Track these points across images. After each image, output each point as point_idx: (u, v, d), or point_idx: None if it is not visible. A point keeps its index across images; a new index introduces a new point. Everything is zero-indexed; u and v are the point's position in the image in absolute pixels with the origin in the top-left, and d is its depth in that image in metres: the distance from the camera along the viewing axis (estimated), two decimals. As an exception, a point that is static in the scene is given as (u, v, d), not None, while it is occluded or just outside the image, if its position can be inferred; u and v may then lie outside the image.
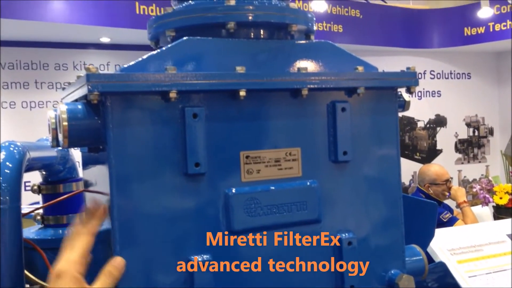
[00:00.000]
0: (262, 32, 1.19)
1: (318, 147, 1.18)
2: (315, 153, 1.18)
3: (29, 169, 1.45)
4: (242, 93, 1.06)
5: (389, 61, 7.05)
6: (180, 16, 1.15)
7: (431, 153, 7.94)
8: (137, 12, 4.59)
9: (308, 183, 1.16)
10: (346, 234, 1.19)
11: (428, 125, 7.93)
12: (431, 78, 7.78)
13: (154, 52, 1.06)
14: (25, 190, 1.54)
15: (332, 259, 1.18)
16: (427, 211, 1.79)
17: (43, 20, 4.11)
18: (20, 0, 3.91)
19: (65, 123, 0.97)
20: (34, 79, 5.07)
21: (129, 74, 0.97)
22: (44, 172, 1.59)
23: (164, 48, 1.08)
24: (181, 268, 1.03)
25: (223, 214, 1.08)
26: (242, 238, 1.09)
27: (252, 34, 1.18)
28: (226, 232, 1.08)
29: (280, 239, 1.13)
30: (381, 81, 1.22)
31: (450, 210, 4.97)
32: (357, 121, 1.21)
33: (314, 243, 1.17)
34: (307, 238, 1.16)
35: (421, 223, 1.74)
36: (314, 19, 1.29)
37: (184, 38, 1.08)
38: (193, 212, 1.05)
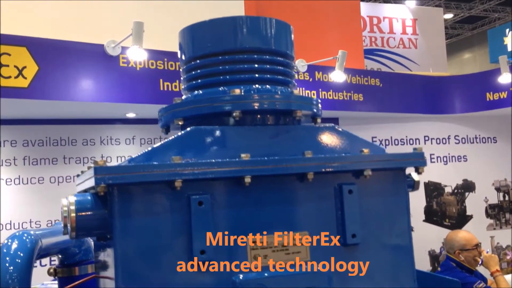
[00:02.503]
0: (267, 118, 1.22)
1: (326, 230, 1.17)
2: (323, 237, 1.17)
3: (45, 255, 1.47)
4: (247, 179, 1.08)
5: (412, 127, 7.04)
6: (188, 106, 1.20)
7: (461, 219, 7.73)
8: (161, 88, 4.75)
9: (317, 267, 1.15)
10: (359, 314, 1.16)
11: (456, 190, 7.78)
12: (455, 143, 7.71)
13: (162, 143, 1.10)
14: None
15: None
16: (450, 288, 1.74)
17: (72, 99, 4.29)
18: (50, 83, 4.11)
19: (73, 214, 1.00)
20: (62, 155, 5.22)
21: (135, 166, 1.00)
22: (60, 256, 1.61)
23: (171, 138, 1.11)
24: None
25: (231, 301, 1.07)
26: (250, 327, 1.07)
27: (258, 120, 1.22)
28: (234, 321, 1.06)
29: (290, 326, 1.11)
30: (388, 162, 1.22)
31: (484, 279, 4.76)
32: (365, 202, 1.21)
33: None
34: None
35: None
36: (320, 103, 1.33)
37: (190, 128, 1.12)
38: (200, 300, 1.05)
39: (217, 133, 1.14)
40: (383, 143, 6.81)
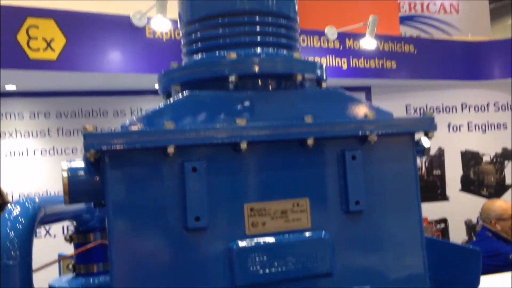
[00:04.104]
0: (267, 83, 1.18)
1: (328, 197, 1.14)
2: (325, 203, 1.14)
3: (57, 220, 1.50)
4: (243, 145, 1.05)
5: (449, 94, 6.83)
6: (185, 71, 1.17)
7: (500, 189, 7.51)
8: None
9: (319, 235, 1.12)
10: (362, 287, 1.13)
11: (495, 159, 7.55)
12: (495, 110, 7.44)
13: (155, 109, 1.08)
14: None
15: (347, 315, 1.12)
16: (471, 258, 1.68)
17: (100, 71, 4.34)
18: (78, 55, 4.15)
19: (65, 180, 1.00)
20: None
21: (125, 132, 0.98)
22: (74, 222, 1.64)
23: (164, 104, 1.09)
24: (182, 325, 1.01)
25: (227, 269, 1.05)
26: (247, 294, 1.06)
27: (257, 86, 1.18)
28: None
29: (289, 294, 1.09)
30: (395, 127, 1.17)
31: (521, 250, 4.64)
32: (370, 169, 1.16)
33: (327, 298, 1.12)
34: (318, 293, 1.11)
35: (464, 271, 1.63)
36: (325, 67, 1.27)
37: (185, 93, 1.10)
38: (195, 267, 1.04)
39: (213, 98, 1.11)
40: (418, 111, 6.63)
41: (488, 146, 7.42)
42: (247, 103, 1.13)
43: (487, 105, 7.43)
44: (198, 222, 1.03)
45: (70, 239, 1.65)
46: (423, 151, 1.24)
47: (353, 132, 1.13)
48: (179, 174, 1.03)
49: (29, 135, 5.02)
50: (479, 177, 7.52)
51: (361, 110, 1.18)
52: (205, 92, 1.11)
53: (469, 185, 7.41)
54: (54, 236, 4.83)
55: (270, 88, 1.18)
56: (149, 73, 4.58)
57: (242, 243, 1.07)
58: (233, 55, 1.12)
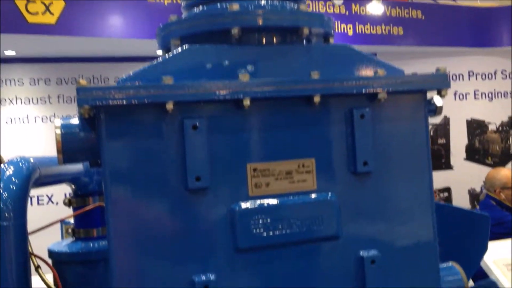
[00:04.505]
0: (272, 37, 1.12)
1: (335, 158, 1.09)
2: (331, 164, 1.09)
3: (55, 182, 1.45)
4: (246, 102, 0.99)
5: (456, 62, 6.70)
6: (184, 24, 1.11)
7: (505, 158, 7.46)
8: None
9: (325, 197, 1.07)
10: (369, 252, 1.09)
11: (500, 128, 7.47)
12: (502, 78, 7.33)
13: (153, 63, 1.02)
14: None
15: (354, 279, 1.08)
16: (479, 223, 1.65)
17: (100, 36, 4.25)
18: (78, 19, 4.06)
19: (59, 137, 0.95)
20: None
21: (121, 87, 0.93)
22: (73, 186, 1.59)
23: (163, 58, 1.03)
24: (183, 288, 0.98)
25: (229, 231, 1.01)
26: (250, 258, 1.02)
27: (261, 39, 1.11)
28: (232, 251, 1.01)
29: (293, 258, 1.05)
30: (406, 84, 1.11)
31: (525, 218, 4.62)
32: (380, 129, 1.11)
33: (333, 262, 1.08)
34: (324, 257, 1.07)
35: (472, 236, 1.60)
36: (333, 21, 1.21)
37: (184, 47, 1.03)
38: (196, 229, 1.00)
39: (214, 52, 1.05)
40: (424, 79, 6.52)
41: (494, 115, 7.34)
42: (250, 58, 1.06)
43: (495, 73, 7.31)
44: (199, 182, 0.99)
45: (69, 203, 1.62)
46: (435, 110, 1.18)
47: (362, 89, 1.06)
48: (179, 132, 0.98)
49: (29, 102, 4.97)
50: (484, 146, 7.45)
51: (371, 67, 1.12)
52: (206, 46, 1.05)
53: (474, 154, 7.36)
54: (57, 203, 4.83)
55: (275, 43, 1.12)
56: (151, 38, 4.48)
57: (245, 205, 1.02)
58: (235, 6, 1.05)
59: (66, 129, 0.97)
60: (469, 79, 7.11)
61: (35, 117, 4.99)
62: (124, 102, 0.92)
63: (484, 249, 1.63)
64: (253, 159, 1.03)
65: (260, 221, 1.02)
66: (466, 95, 7.17)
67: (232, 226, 1.01)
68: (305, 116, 1.06)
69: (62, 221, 1.74)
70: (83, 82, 0.90)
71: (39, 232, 1.43)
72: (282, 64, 1.08)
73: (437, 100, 1.18)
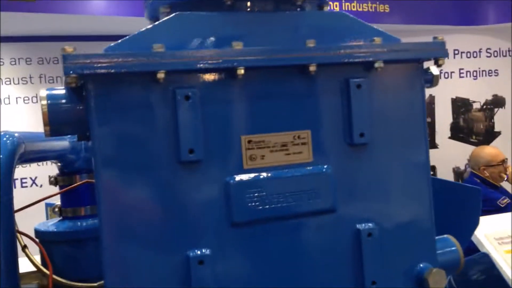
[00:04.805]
0: (265, 3, 1.08)
1: (331, 129, 1.06)
2: (327, 135, 1.06)
3: (40, 158, 1.41)
4: (240, 71, 0.96)
5: (441, 41, 6.70)
6: (174, -10, 1.06)
7: (489, 136, 7.52)
8: None
9: (321, 169, 1.05)
10: (366, 225, 1.07)
11: (485, 106, 7.52)
12: (487, 56, 7.35)
13: (141, 30, 0.97)
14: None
15: (350, 252, 1.07)
16: (471, 197, 1.64)
17: (81, 13, 4.14)
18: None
19: (45, 108, 0.90)
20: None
21: (109, 54, 0.88)
22: (59, 164, 1.55)
23: (153, 25, 0.99)
24: (177, 265, 0.95)
25: (224, 205, 0.98)
26: (245, 232, 0.99)
27: (254, 6, 1.07)
28: (227, 225, 0.98)
29: (289, 231, 1.03)
30: (403, 53, 1.08)
31: (509, 195, 4.67)
32: (376, 99, 1.08)
33: (329, 236, 1.06)
34: (320, 230, 1.05)
35: (464, 210, 1.59)
36: (327, -14, 1.17)
37: (174, 14, 0.99)
38: (190, 204, 0.96)
39: (205, 19, 1.00)
40: (410, 57, 6.51)
41: (479, 93, 7.38)
42: (244, 26, 1.03)
43: (479, 51, 7.33)
44: (192, 155, 0.95)
45: (55, 181, 1.57)
46: (432, 80, 1.15)
47: (359, 57, 1.03)
48: (171, 103, 0.94)
49: (10, 82, 4.85)
50: (468, 124, 7.50)
51: (368, 35, 1.08)
52: (197, 13, 1.00)
53: (458, 132, 7.41)
54: (41, 186, 4.76)
55: (269, 10, 1.08)
56: (134, 16, 4.39)
57: (239, 178, 0.99)
58: (228, -30, 1.01)
59: (53, 100, 0.92)
60: (454, 57, 7.11)
61: (16, 98, 4.88)
62: (113, 70, 0.88)
63: (476, 222, 1.62)
64: (247, 131, 1.00)
65: (255, 195, 1.00)
66: (451, 73, 7.19)
67: (226, 200, 0.98)
68: (300, 86, 1.03)
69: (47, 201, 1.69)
70: (69, 49, 0.86)
71: (23, 214, 1.39)
72: (277, 32, 1.04)
73: (434, 70, 1.15)
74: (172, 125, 0.94)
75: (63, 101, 0.93)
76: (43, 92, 0.92)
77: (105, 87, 0.90)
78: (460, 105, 7.40)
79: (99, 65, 0.86)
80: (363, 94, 1.06)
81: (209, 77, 0.97)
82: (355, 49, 1.03)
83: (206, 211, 0.97)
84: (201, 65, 0.93)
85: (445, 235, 1.21)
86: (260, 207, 1.00)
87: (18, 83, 4.88)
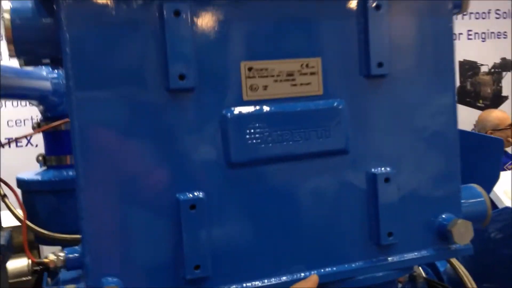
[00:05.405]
0: None
1: (344, 57, 0.92)
2: (340, 64, 0.92)
3: (20, 96, 1.28)
4: (240, -17, 0.81)
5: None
6: None
7: (496, 100, 7.35)
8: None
9: (332, 103, 0.91)
10: (383, 169, 0.94)
11: (493, 70, 7.33)
12: (496, 17, 7.11)
13: None
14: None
15: (364, 200, 0.94)
16: (492, 148, 1.52)
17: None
18: None
19: (8, 24, 0.76)
20: None
21: (81, -46, 0.73)
22: (41, 107, 1.41)
23: None
24: (165, 210, 0.82)
25: (219, 141, 0.85)
26: (244, 173, 0.86)
27: None
28: (224, 166, 0.85)
29: (294, 174, 0.89)
30: (429, -30, 0.93)
31: (516, 160, 4.55)
32: (397, 23, 0.94)
33: (339, 180, 0.92)
34: (330, 173, 0.92)
35: (483, 162, 1.47)
36: None
37: None
38: (181, 139, 0.83)
39: None
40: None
41: (487, 56, 7.18)
42: None
43: (488, 12, 7.10)
44: (182, 81, 0.81)
45: (38, 126, 1.44)
46: (461, 4, 1.00)
47: (379, -29, 0.88)
48: (158, 19, 0.80)
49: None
50: (475, 88, 7.33)
51: None
52: None
53: (465, 96, 7.24)
54: (36, 146, 4.63)
55: None
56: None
57: (238, 110, 0.85)
58: None
59: (17, 13, 0.78)
60: (462, 18, 6.88)
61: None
62: (87, -25, 0.73)
63: (496, 174, 1.50)
64: (248, 56, 0.86)
65: (257, 131, 0.86)
66: (459, 35, 6.96)
67: (223, 136, 0.85)
68: (311, 6, 0.88)
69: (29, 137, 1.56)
70: None
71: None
72: None
73: (463, -7, 1.00)
74: (159, 45, 0.80)
75: (30, 15, 0.78)
76: (7, 4, 0.77)
77: (79, -2, 0.76)
78: (468, 68, 7.21)
79: (69, -34, 0.71)
80: (383, 17, 0.91)
81: (203, -10, 0.82)
82: (375, -39, 0.87)
83: (200, 148, 0.84)
84: (193, -28, 0.78)
85: (470, 184, 1.08)
86: (262, 146, 0.86)
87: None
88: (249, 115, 0.85)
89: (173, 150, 0.82)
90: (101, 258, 0.77)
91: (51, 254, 0.87)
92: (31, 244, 1.37)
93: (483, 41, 7.17)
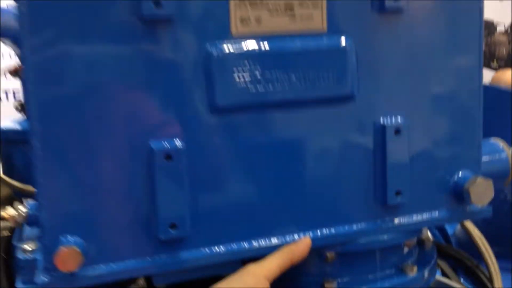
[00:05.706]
0: None
1: (353, -12, 0.78)
2: (349, -7, 0.78)
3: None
4: None
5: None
6: None
7: (511, 61, 7.14)
8: None
9: (337, 41, 0.77)
10: (393, 118, 0.81)
11: (509, 30, 7.07)
12: (516, -26, 6.82)
13: None
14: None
15: (371, 154, 0.82)
16: (504, 99, 1.41)
17: None
18: None
19: None
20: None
21: None
22: (18, 50, 1.29)
23: None
24: (137, 159, 0.70)
25: (203, 82, 0.72)
26: (231, 120, 0.74)
27: None
28: (207, 110, 0.73)
29: (291, 123, 0.77)
30: None
31: (531, 122, 4.41)
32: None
33: (344, 131, 0.80)
34: (333, 123, 0.79)
35: (496, 111, 1.35)
36: None
37: None
38: (155, 79, 0.70)
39: None
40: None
41: (504, 14, 6.91)
42: None
43: (508, -32, 6.79)
44: (158, 9, 0.68)
45: (21, 107, 1.33)
46: None
47: None
48: None
49: None
50: (490, 48, 7.09)
51: None
52: None
53: (479, 56, 7.03)
54: None
55: None
56: None
57: (225, 46, 0.72)
58: None
59: None
60: (480, -26, 6.60)
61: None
62: None
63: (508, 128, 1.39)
64: (238, -19, 0.72)
65: (247, 71, 0.73)
66: (476, -8, 6.69)
67: (207, 76, 0.72)
68: None
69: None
70: None
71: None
72: None
73: None
74: (129, -36, 0.66)
75: None
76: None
77: None
78: (484, 28, 6.97)
79: None
80: None
81: None
82: None
83: (179, 90, 0.71)
84: None
85: (491, 138, 0.96)
86: (253, 89, 0.74)
87: None
88: (238, 52, 0.72)
89: (147, 91, 0.70)
90: (60, 213, 0.66)
91: (11, 208, 0.77)
92: (10, 199, 1.27)
93: (500, -1, 6.90)
